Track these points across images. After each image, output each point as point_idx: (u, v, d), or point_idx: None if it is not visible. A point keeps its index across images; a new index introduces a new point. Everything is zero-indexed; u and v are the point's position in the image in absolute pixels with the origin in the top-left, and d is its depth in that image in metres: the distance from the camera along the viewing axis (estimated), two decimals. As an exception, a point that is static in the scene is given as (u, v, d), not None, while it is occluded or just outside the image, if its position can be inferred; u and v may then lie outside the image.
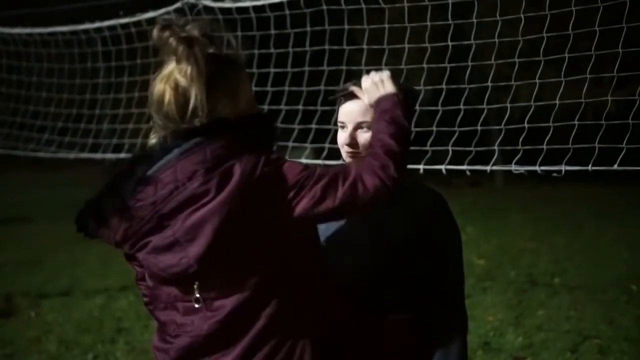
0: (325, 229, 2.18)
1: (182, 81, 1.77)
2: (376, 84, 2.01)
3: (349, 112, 2.09)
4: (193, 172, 1.73)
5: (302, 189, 1.77)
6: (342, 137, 2.11)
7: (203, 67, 1.77)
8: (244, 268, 1.75)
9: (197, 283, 1.76)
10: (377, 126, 1.93)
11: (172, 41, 1.78)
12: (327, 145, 3.83)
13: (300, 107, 4.39)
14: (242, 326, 1.77)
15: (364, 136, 2.07)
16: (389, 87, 1.98)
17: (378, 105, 1.97)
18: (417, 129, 3.76)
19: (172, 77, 1.79)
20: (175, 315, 1.82)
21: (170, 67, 1.81)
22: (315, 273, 1.87)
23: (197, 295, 1.77)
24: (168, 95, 1.79)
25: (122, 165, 1.85)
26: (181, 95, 1.77)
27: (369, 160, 1.85)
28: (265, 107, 4.71)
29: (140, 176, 1.77)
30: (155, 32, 1.81)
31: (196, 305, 1.77)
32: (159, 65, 1.85)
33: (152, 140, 1.85)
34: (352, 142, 2.08)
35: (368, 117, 2.06)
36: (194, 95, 1.77)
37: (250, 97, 1.91)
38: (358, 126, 2.08)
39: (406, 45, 3.97)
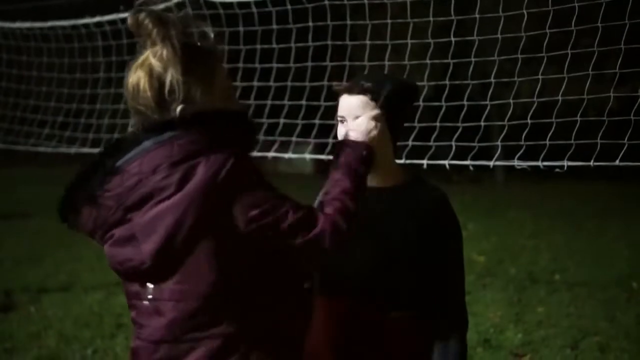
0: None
1: (157, 65, 1.73)
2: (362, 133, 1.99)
3: (348, 106, 2.08)
4: (157, 165, 1.68)
5: (265, 215, 1.67)
6: (341, 131, 2.10)
7: (178, 49, 1.73)
8: (196, 272, 1.67)
9: (150, 282, 1.71)
10: (346, 181, 1.86)
11: (147, 23, 1.74)
12: (330, 140, 3.82)
13: (304, 102, 4.39)
14: (195, 332, 1.69)
15: (362, 130, 2.07)
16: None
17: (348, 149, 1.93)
18: (420, 125, 3.77)
19: (146, 62, 1.75)
20: (137, 315, 1.78)
21: (145, 54, 1.77)
22: (274, 283, 1.76)
23: (150, 296, 1.72)
24: (143, 82, 1.74)
25: (94, 156, 1.81)
26: (156, 80, 1.73)
27: (338, 219, 1.75)
28: (268, 102, 4.70)
29: (109, 167, 1.73)
30: (130, 16, 1.77)
31: (146, 303, 1.72)
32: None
33: (130, 129, 1.82)
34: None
35: (367, 111, 2.05)
36: (170, 77, 1.72)
37: (228, 89, 1.84)
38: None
39: (409, 41, 3.97)
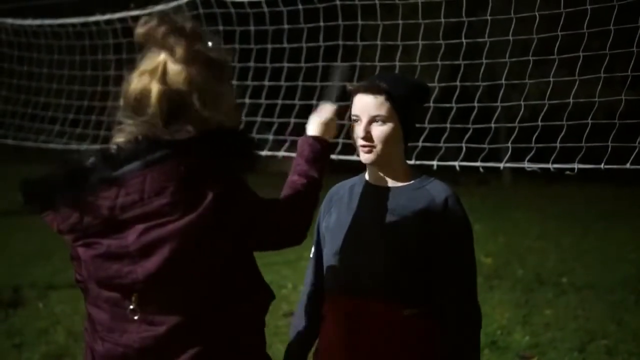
0: (338, 226, 2.19)
1: (176, 83, 1.64)
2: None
3: (364, 105, 2.10)
4: (162, 188, 1.62)
5: (262, 227, 1.77)
6: (357, 130, 2.12)
7: (199, 70, 1.66)
8: (189, 290, 1.67)
9: (135, 295, 1.67)
10: (309, 169, 1.98)
11: (170, 38, 1.65)
12: (341, 140, 3.83)
13: (314, 102, 4.38)
14: (179, 345, 1.68)
15: (378, 129, 2.08)
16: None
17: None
18: (430, 126, 3.78)
19: (161, 73, 1.65)
20: (103, 316, 1.72)
21: (158, 60, 1.66)
22: (254, 295, 1.80)
23: (132, 307, 1.68)
24: (155, 96, 1.64)
25: (84, 157, 1.71)
26: (170, 99, 1.64)
27: (301, 213, 1.90)
28: (279, 101, 4.71)
29: (105, 175, 1.65)
30: (149, 24, 1.66)
31: (126, 311, 1.68)
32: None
33: (119, 138, 1.69)
34: (367, 136, 2.09)
35: (383, 111, 2.07)
36: (187, 99, 1.64)
37: (232, 105, 1.78)
38: (373, 120, 2.09)
39: (420, 42, 3.97)
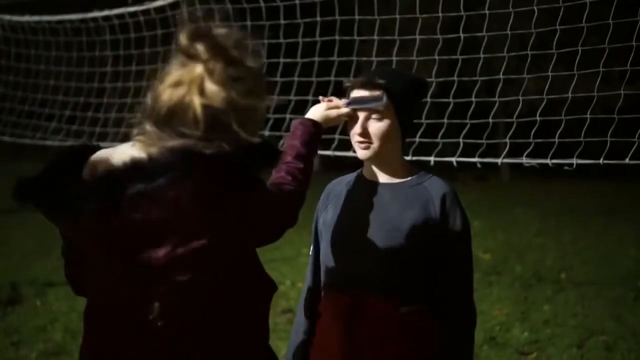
0: (334, 223, 2.17)
1: (214, 100, 1.58)
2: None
3: (361, 101, 2.09)
4: (194, 204, 1.58)
5: (270, 222, 1.80)
6: (353, 126, 2.10)
7: (238, 91, 1.60)
8: (201, 293, 1.66)
9: (157, 305, 1.64)
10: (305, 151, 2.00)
11: (208, 56, 1.59)
12: (337, 136, 3.81)
13: (310, 97, 4.36)
14: (186, 345, 1.67)
15: (375, 126, 2.07)
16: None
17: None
18: (428, 121, 3.76)
19: (199, 87, 1.59)
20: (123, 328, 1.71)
21: (196, 73, 1.60)
22: (257, 287, 1.80)
23: (152, 316, 1.65)
24: (195, 108, 1.58)
25: (110, 164, 1.63)
26: (208, 113, 1.58)
27: (294, 197, 1.91)
28: (274, 97, 4.69)
29: (136, 189, 1.58)
30: (185, 40, 1.60)
31: (159, 324, 1.65)
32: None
33: (151, 148, 1.62)
34: (364, 132, 2.08)
35: (380, 107, 2.06)
36: (224, 119, 1.58)
37: (263, 120, 1.75)
38: (369, 116, 2.08)
39: (417, 37, 3.95)
